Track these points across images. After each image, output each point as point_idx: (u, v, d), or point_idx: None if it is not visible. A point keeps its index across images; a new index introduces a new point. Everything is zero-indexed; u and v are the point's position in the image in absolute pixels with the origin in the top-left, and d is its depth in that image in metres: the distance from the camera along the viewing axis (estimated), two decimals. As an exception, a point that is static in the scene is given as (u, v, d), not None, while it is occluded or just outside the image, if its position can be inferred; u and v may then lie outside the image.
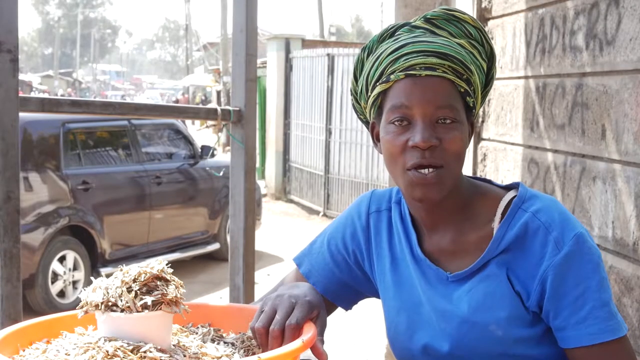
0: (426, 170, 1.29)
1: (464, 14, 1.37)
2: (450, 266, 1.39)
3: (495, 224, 1.35)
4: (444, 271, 1.39)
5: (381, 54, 1.34)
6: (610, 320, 1.28)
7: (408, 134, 1.29)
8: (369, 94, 1.36)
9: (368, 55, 1.38)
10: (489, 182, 1.45)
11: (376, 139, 1.41)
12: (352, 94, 1.46)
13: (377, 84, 1.33)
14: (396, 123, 1.31)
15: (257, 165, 11.39)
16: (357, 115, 1.49)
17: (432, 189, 1.30)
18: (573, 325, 1.28)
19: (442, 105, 1.29)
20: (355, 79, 1.42)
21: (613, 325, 1.28)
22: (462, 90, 1.31)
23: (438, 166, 1.29)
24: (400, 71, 1.30)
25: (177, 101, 35.77)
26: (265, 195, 12.70)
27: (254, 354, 1.19)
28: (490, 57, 1.39)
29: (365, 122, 1.47)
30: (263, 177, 14.19)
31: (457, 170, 1.33)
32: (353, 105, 1.47)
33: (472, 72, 1.32)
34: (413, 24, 1.37)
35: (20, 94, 2.48)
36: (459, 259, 1.38)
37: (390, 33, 1.37)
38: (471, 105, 1.34)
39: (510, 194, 1.38)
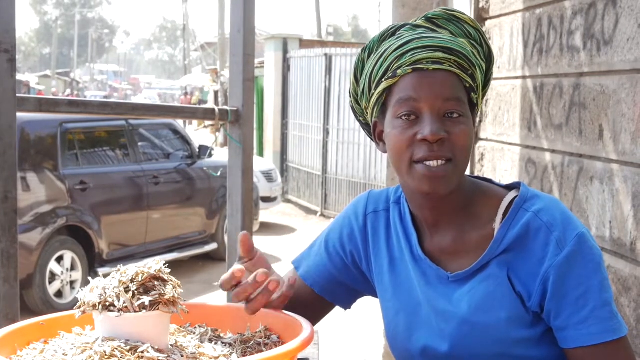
0: (434, 163, 1.28)
1: (464, 14, 1.37)
2: (451, 266, 1.39)
3: (497, 224, 1.35)
4: (444, 271, 1.39)
5: (385, 51, 1.33)
6: (611, 320, 1.28)
7: (416, 128, 1.29)
8: (373, 91, 1.35)
9: (369, 56, 1.38)
10: (490, 181, 1.45)
11: (378, 138, 1.41)
12: (351, 96, 1.45)
13: (383, 80, 1.32)
14: (404, 117, 1.30)
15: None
16: (356, 117, 1.48)
17: (439, 182, 1.29)
18: (574, 325, 1.28)
19: (450, 98, 1.29)
20: (356, 79, 1.41)
21: (614, 325, 1.28)
22: (468, 85, 1.31)
23: (447, 159, 1.29)
24: (407, 66, 1.29)
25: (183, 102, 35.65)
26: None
27: (251, 354, 1.19)
28: (489, 58, 1.39)
29: (365, 124, 1.47)
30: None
31: (464, 165, 1.33)
32: (352, 107, 1.47)
33: (475, 68, 1.33)
34: (414, 23, 1.37)
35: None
36: (460, 259, 1.38)
37: (391, 33, 1.37)
38: (475, 102, 1.35)
39: (512, 193, 1.38)
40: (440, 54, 1.29)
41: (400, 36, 1.34)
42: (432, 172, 1.28)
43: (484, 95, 1.42)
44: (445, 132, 1.28)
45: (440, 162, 1.28)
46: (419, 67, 1.29)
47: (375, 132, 1.41)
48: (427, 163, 1.28)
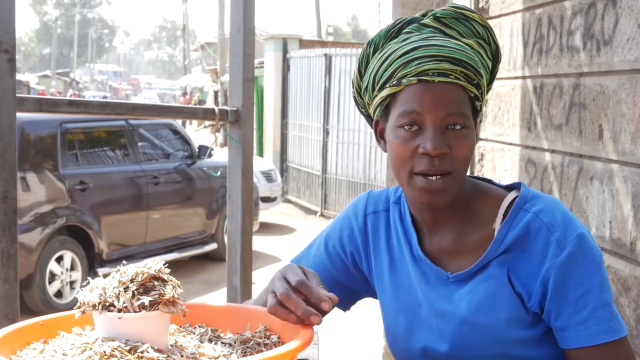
0: (434, 177, 1.28)
1: (473, 12, 1.35)
2: (451, 266, 1.39)
3: (497, 225, 1.35)
4: (444, 271, 1.39)
5: (391, 54, 1.32)
6: (611, 320, 1.28)
7: (418, 140, 1.29)
8: (376, 93, 1.35)
9: (374, 52, 1.37)
10: (490, 181, 1.45)
11: (379, 136, 1.41)
12: (354, 87, 1.44)
13: (387, 86, 1.31)
14: (406, 127, 1.30)
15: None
16: (359, 109, 1.47)
17: (438, 195, 1.30)
18: (574, 326, 1.28)
19: (453, 112, 1.28)
20: (360, 73, 1.40)
21: (614, 325, 1.28)
22: (472, 95, 1.31)
23: (446, 173, 1.29)
24: (412, 76, 1.28)
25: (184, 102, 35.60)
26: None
27: (251, 354, 1.19)
28: (495, 56, 1.38)
29: (367, 116, 1.46)
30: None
31: (464, 175, 1.33)
32: (354, 98, 1.46)
33: (481, 75, 1.32)
34: (422, 21, 1.35)
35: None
36: (460, 259, 1.38)
37: (397, 29, 1.36)
38: (478, 108, 1.34)
39: (512, 194, 1.38)
40: (447, 65, 1.27)
41: (407, 38, 1.33)
42: (432, 185, 1.29)
43: (488, 92, 1.42)
44: (447, 145, 1.28)
45: (438, 177, 1.29)
46: (424, 78, 1.28)
47: (376, 130, 1.41)
48: (427, 177, 1.29)
